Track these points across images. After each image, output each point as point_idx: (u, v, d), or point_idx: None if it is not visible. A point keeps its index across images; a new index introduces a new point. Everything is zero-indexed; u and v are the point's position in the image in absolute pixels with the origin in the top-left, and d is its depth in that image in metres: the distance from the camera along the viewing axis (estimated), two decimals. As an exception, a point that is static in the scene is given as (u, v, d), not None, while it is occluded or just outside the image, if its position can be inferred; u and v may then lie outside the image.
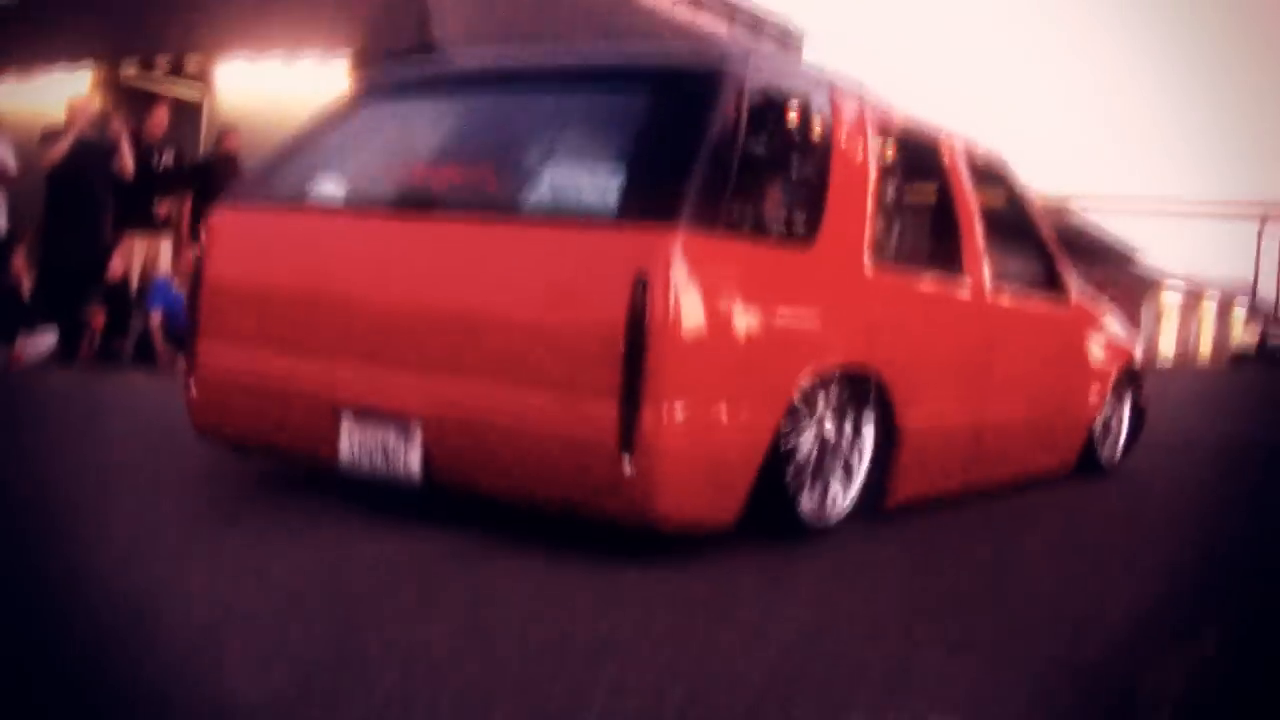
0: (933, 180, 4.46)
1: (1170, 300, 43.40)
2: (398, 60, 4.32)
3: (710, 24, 28.00)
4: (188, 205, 8.80)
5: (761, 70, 3.64)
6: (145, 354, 7.91)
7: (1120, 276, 31.28)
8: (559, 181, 3.62)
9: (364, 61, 14.90)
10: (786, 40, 31.93)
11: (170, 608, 2.62)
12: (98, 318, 7.81)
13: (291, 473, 4.21)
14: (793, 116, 3.72)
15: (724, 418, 3.30)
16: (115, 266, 7.98)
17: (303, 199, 4.01)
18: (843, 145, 3.84)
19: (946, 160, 4.52)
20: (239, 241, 4.03)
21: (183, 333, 4.87)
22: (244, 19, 16.18)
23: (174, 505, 3.77)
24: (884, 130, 4.11)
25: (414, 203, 3.74)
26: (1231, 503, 5.75)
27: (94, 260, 7.88)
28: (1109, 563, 4.02)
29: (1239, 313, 53.98)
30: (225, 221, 4.09)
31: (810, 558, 3.60)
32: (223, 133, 9.77)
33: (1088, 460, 5.69)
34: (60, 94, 12.78)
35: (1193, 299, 46.82)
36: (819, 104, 3.84)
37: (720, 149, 3.35)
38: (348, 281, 3.71)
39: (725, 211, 3.32)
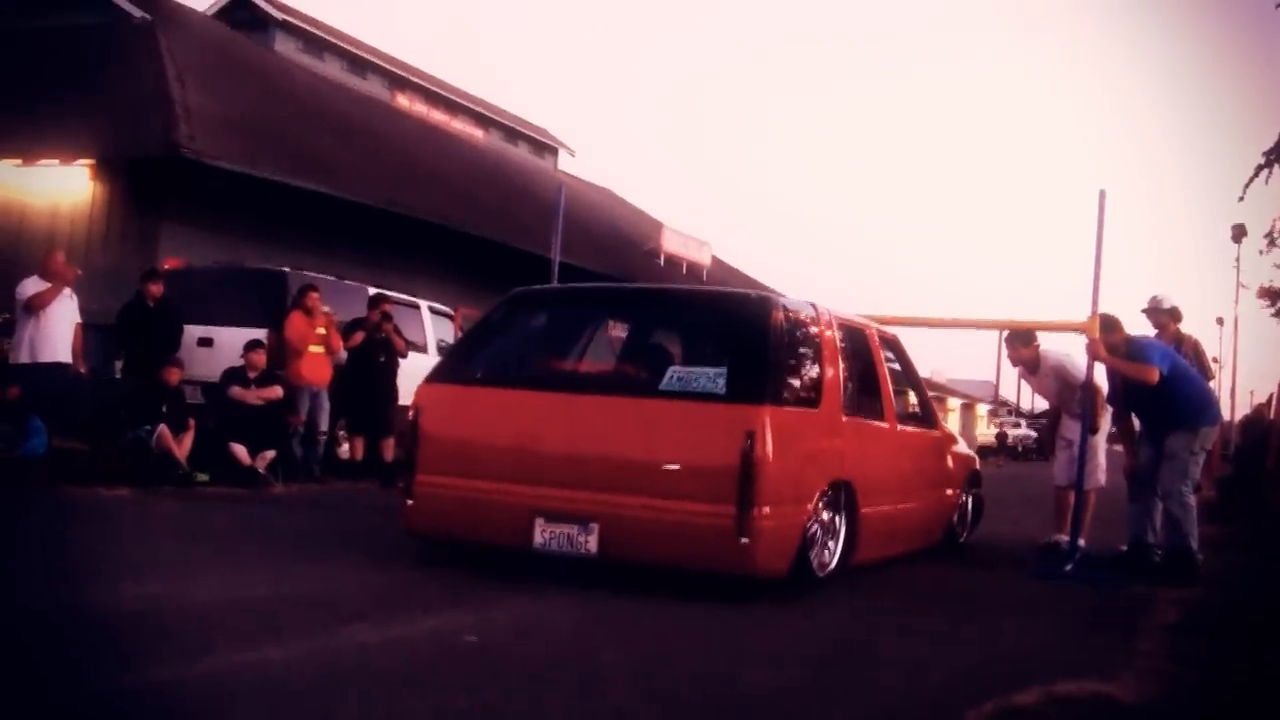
0: (862, 356, 8.17)
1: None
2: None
3: (466, 130, 31.81)
4: None
5: (786, 303, 7.25)
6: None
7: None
8: (680, 372, 7.05)
9: (108, 167, 17.23)
10: (542, 151, 36.22)
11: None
12: None
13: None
14: (803, 328, 7.34)
15: (789, 512, 6.83)
16: None
17: (488, 379, 7.29)
18: (826, 341, 7.50)
19: (870, 342, 8.28)
20: (443, 408, 7.31)
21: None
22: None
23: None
24: (840, 328, 7.79)
25: (583, 383, 7.15)
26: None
27: None
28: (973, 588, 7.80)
29: (982, 409, 65.45)
30: (430, 393, 7.36)
31: (824, 588, 7.14)
32: None
33: (949, 538, 9.59)
34: None
35: (938, 398, 57.68)
36: (809, 317, 7.49)
37: (778, 354, 6.98)
38: (539, 434, 7.05)
39: (784, 391, 6.88)
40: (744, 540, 6.57)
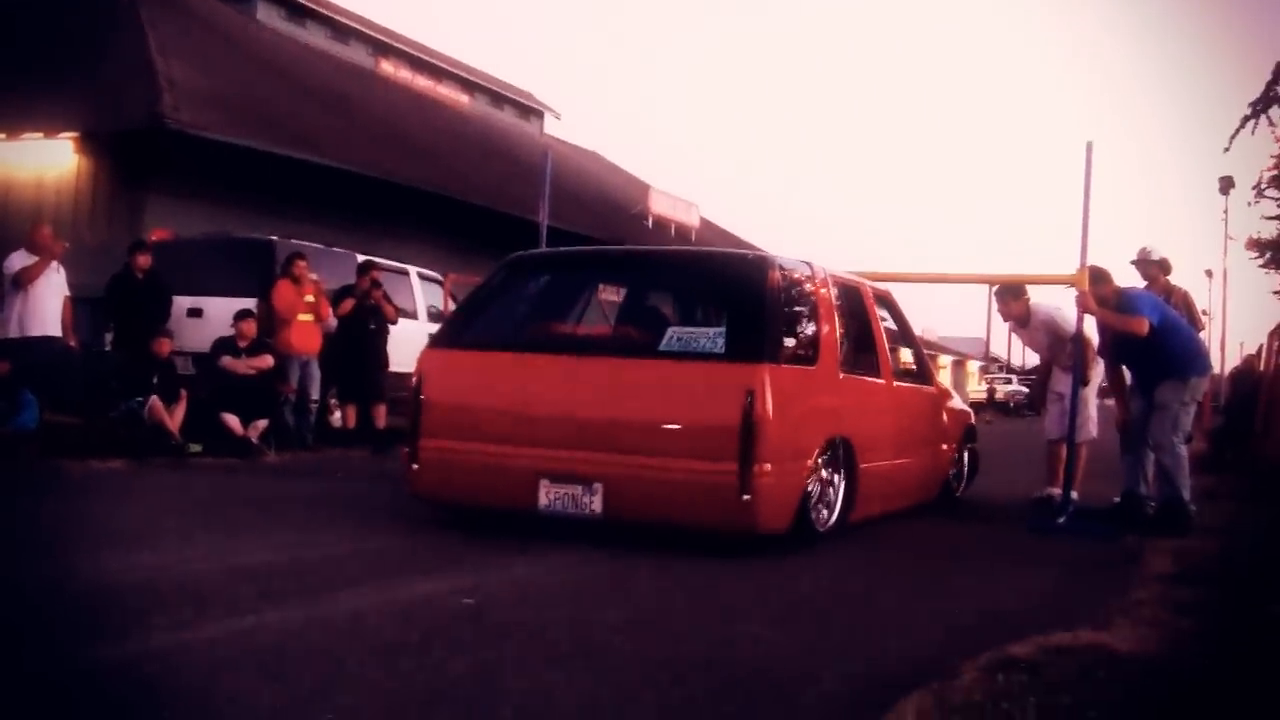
0: (857, 314, 8.27)
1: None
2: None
3: (451, 95, 31.77)
4: None
5: (782, 263, 7.34)
6: None
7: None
8: (679, 333, 7.16)
9: (92, 140, 17.24)
10: (528, 114, 36.22)
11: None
12: None
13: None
14: (799, 287, 7.44)
15: (789, 469, 6.94)
16: None
17: (489, 343, 7.38)
18: (822, 300, 7.60)
19: (864, 300, 8.39)
20: (446, 373, 7.39)
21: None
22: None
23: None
24: (836, 286, 7.88)
25: (585, 345, 7.24)
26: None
27: None
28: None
29: (973, 365, 66.54)
30: (433, 358, 7.43)
31: (824, 544, 7.28)
32: None
33: (945, 493, 9.73)
34: None
35: (930, 355, 58.70)
36: (805, 275, 7.59)
37: (776, 313, 7.07)
38: (542, 397, 7.14)
39: (783, 349, 6.99)
40: (745, 497, 6.69)
